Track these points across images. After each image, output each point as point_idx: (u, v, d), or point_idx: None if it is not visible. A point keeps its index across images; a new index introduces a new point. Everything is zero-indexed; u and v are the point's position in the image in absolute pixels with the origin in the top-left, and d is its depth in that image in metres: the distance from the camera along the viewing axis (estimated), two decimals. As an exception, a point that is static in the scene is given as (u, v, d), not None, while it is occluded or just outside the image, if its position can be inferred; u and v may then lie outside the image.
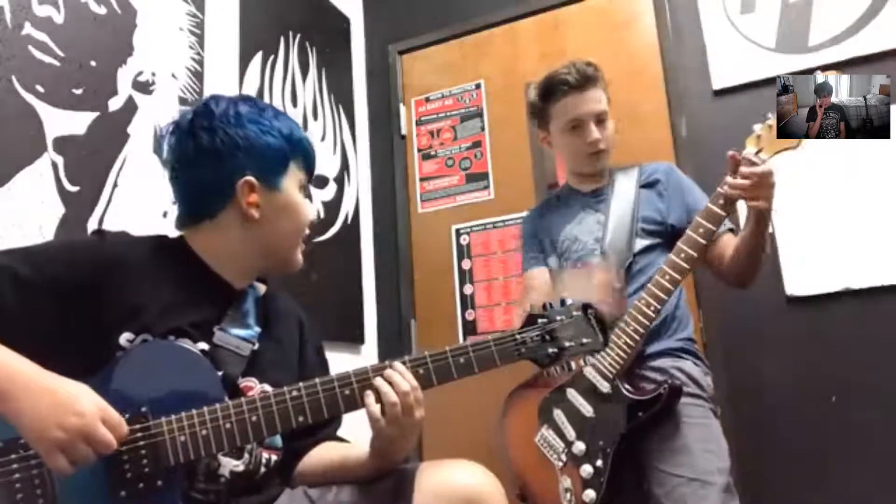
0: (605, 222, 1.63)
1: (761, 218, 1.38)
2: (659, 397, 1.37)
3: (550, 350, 1.02)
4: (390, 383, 0.96)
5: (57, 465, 0.81)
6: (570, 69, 1.63)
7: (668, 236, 1.59)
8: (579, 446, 1.43)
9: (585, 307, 1.05)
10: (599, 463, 1.40)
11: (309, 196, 1.16)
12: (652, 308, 1.39)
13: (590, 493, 1.39)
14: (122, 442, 0.86)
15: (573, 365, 1.08)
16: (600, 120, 1.64)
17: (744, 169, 1.33)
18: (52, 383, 0.84)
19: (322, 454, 1.12)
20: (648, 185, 1.66)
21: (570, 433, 1.46)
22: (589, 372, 1.45)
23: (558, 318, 1.04)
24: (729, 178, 1.35)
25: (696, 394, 1.47)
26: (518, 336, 1.02)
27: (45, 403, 0.82)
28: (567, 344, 1.03)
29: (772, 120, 1.34)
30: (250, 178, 1.05)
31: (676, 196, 1.63)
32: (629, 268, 1.56)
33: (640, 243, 1.59)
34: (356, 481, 1.03)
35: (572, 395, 1.48)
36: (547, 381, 1.55)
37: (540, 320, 1.04)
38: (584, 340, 1.03)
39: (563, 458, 1.46)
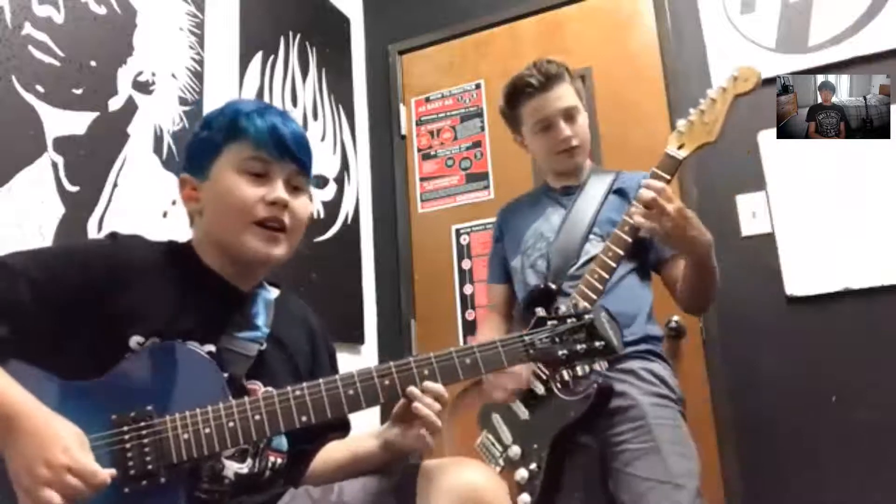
0: (562, 220, 1.60)
1: (676, 245, 1.39)
2: (588, 397, 1.35)
3: (560, 352, 0.99)
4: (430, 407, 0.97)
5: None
6: (532, 70, 1.60)
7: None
8: (515, 450, 1.41)
9: (600, 311, 1.01)
10: (534, 466, 1.37)
11: (262, 174, 1.05)
12: (581, 307, 1.35)
13: (524, 498, 1.36)
14: (93, 484, 0.82)
15: (586, 369, 1.00)
16: (569, 115, 1.59)
17: (641, 192, 1.32)
18: (36, 423, 0.83)
19: (330, 452, 1.13)
20: (619, 191, 1.61)
21: (507, 437, 1.44)
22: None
23: (569, 320, 1.00)
24: (632, 208, 1.35)
25: (666, 395, 1.44)
26: (526, 338, 0.99)
27: (24, 444, 0.81)
28: (578, 346, 0.98)
29: (693, 115, 1.37)
30: (184, 174, 1.10)
31: None
32: (576, 272, 1.51)
33: (600, 247, 1.48)
34: (364, 474, 1.03)
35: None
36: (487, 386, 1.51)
37: (549, 322, 1.00)
38: (598, 344, 0.99)
39: (501, 462, 1.43)
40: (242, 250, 1.05)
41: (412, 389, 0.97)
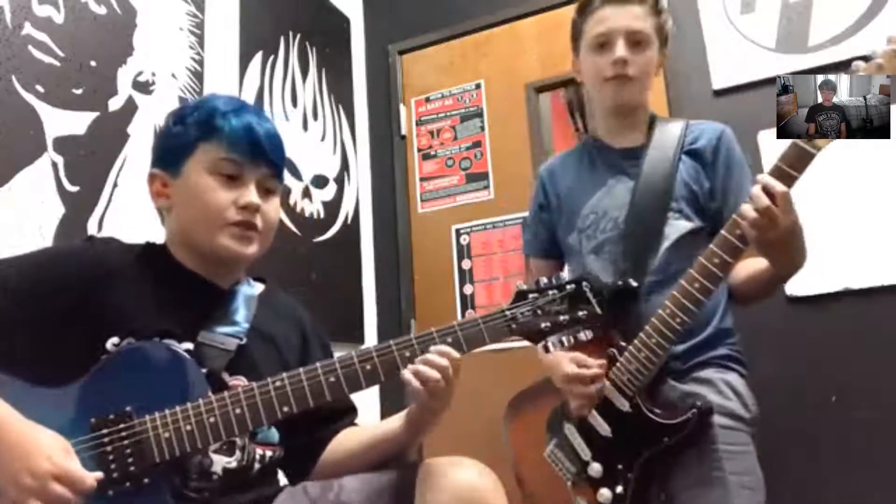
0: (631, 194, 1.36)
1: (768, 257, 1.22)
2: (687, 422, 1.20)
3: (543, 325, 0.97)
4: (427, 364, 0.95)
5: None
6: None
7: (712, 221, 1.34)
8: (596, 468, 1.28)
9: (579, 279, 0.99)
10: (620, 489, 1.25)
11: (235, 176, 1.05)
12: (678, 320, 1.18)
13: None
14: (83, 492, 0.83)
15: (571, 340, 0.98)
16: (635, 41, 1.35)
17: (755, 192, 1.09)
18: (18, 435, 0.83)
19: (349, 439, 1.12)
20: (692, 153, 1.38)
21: (586, 452, 1.30)
22: (606, 386, 1.28)
23: (550, 291, 0.99)
24: (744, 206, 1.11)
25: (741, 416, 1.28)
26: (508, 312, 0.97)
27: (5, 457, 0.81)
28: (562, 317, 0.97)
29: None
30: (153, 169, 1.09)
31: (721, 175, 1.36)
32: (660, 259, 1.33)
33: (681, 226, 1.34)
34: (387, 459, 1.04)
35: None
36: (557, 390, 1.37)
37: (531, 295, 0.99)
38: (580, 313, 0.98)
39: (580, 477, 1.31)
40: (214, 249, 1.05)
41: (403, 372, 0.95)
